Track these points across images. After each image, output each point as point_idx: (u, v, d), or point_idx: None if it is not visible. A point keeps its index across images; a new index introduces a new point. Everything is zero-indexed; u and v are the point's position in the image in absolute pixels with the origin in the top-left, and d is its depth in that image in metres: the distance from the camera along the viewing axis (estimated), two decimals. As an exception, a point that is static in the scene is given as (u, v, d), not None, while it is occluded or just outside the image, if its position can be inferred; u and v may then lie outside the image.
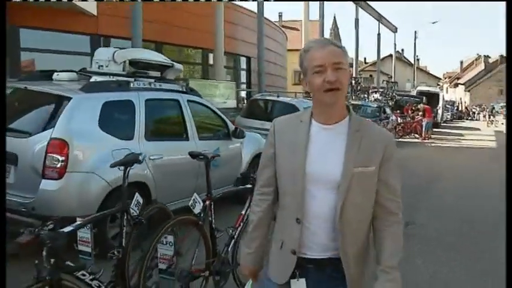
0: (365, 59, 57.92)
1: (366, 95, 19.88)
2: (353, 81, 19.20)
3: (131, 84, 4.81)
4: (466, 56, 66.86)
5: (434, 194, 8.16)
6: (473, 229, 5.99)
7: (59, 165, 3.96)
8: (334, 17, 41.64)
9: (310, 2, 22.89)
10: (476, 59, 60.04)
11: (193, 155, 3.65)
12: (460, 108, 47.05)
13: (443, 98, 30.36)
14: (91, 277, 2.41)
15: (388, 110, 17.87)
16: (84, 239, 2.90)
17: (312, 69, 1.62)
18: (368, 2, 25.73)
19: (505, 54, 31.04)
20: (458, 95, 55.55)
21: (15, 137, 4.09)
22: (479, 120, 40.19)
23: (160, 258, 3.03)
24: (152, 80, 5.17)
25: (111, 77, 4.87)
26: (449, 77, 66.95)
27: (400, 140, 17.92)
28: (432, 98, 25.21)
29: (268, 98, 10.40)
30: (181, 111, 5.37)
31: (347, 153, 1.64)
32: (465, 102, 51.30)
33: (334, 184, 1.64)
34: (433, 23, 40.20)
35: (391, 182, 1.72)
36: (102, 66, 5.19)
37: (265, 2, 14.52)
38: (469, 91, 54.08)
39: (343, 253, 1.67)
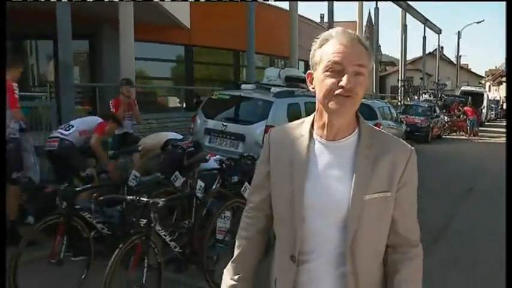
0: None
1: (416, 96, 23.11)
2: (405, 83, 22.44)
3: (295, 93, 8.19)
4: (510, 52, 68.14)
5: (485, 172, 11.45)
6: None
7: (271, 141, 7.35)
8: (369, 13, 44.26)
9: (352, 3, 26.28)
10: (521, 56, 61.68)
11: None
12: (504, 107, 49.37)
13: (488, 98, 33.10)
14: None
15: (437, 110, 21.05)
16: (222, 229, 4.14)
17: (327, 66, 1.36)
18: (413, 1, 28.86)
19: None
20: (502, 93, 57.56)
21: (242, 125, 7.55)
22: (523, 119, 42.64)
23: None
24: (304, 90, 8.56)
25: (282, 88, 8.28)
26: (492, 75, 68.73)
27: (448, 136, 21.27)
28: (476, 98, 28.05)
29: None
30: (320, 110, 8.75)
31: (357, 177, 1.39)
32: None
33: (341, 216, 1.40)
34: (478, 22, 41.92)
35: (410, 210, 1.49)
36: (271, 80, 8.63)
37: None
38: (513, 89, 55.85)
39: None
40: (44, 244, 4.30)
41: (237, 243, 1.64)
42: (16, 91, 5.00)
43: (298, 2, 17.60)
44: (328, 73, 1.37)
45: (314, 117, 1.50)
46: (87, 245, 4.05)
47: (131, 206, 4.29)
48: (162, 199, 3.39)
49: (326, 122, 1.44)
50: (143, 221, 3.41)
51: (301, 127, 1.52)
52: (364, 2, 26.29)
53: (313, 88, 1.45)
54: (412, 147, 1.49)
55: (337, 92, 1.36)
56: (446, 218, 7.10)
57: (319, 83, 1.40)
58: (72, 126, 5.40)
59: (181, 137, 6.45)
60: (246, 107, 7.90)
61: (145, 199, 3.35)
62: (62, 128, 5.43)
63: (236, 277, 1.59)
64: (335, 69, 1.36)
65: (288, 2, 17.40)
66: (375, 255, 1.48)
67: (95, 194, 3.77)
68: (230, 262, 1.64)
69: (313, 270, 1.46)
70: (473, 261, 5.33)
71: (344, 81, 1.34)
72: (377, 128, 1.54)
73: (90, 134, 5.49)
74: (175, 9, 13.67)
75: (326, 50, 1.39)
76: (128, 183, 4.50)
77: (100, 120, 5.62)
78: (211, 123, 7.80)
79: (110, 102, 7.48)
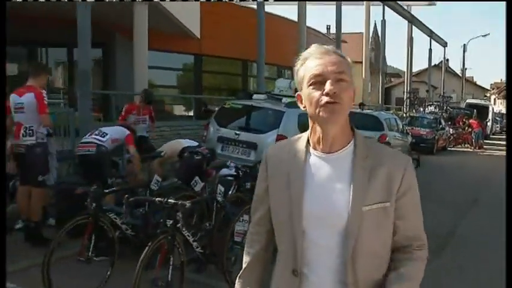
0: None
1: (421, 108, 23.41)
2: (411, 94, 22.79)
3: (306, 103, 8.49)
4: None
5: (490, 184, 11.69)
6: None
7: (282, 150, 7.66)
8: (375, 25, 44.68)
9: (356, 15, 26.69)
10: (526, 69, 61.77)
11: None
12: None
13: (493, 111, 33.35)
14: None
15: (443, 122, 21.34)
16: (240, 231, 4.36)
17: (309, 80, 1.44)
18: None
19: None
20: (507, 106, 57.58)
21: (254, 133, 7.83)
22: (528, 133, 42.80)
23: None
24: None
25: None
26: (498, 88, 68.87)
27: (453, 149, 21.53)
28: (482, 111, 28.34)
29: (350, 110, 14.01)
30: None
31: (355, 188, 1.43)
32: (515, 115, 53.44)
33: (341, 227, 1.44)
34: (484, 36, 42.10)
35: (413, 218, 1.53)
36: (282, 90, 8.93)
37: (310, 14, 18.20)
38: (519, 103, 55.84)
39: None
40: (66, 244, 4.58)
41: (244, 258, 1.71)
42: (45, 97, 5.29)
43: (306, 13, 17.96)
44: (312, 86, 1.44)
45: (309, 134, 1.55)
46: (111, 245, 4.31)
47: (154, 208, 4.58)
48: (188, 201, 3.66)
49: (320, 135, 1.49)
50: (169, 222, 3.67)
51: (298, 143, 1.57)
52: (371, 14, 26.67)
53: (304, 107, 1.50)
54: (409, 157, 1.55)
55: (324, 100, 1.41)
56: (452, 227, 7.34)
57: (307, 97, 1.46)
58: (106, 134, 5.66)
59: (196, 144, 6.73)
60: (257, 117, 8.19)
61: (172, 201, 3.62)
62: (96, 134, 5.68)
63: None
64: (318, 81, 1.43)
65: (296, 14, 17.74)
66: (376, 266, 1.49)
67: (126, 195, 4.03)
68: (238, 277, 1.71)
69: (314, 282, 1.49)
70: (477, 269, 5.55)
71: (327, 87, 1.41)
72: (372, 140, 1.60)
73: (120, 143, 5.78)
74: (186, 18, 14.00)
75: (307, 67, 1.47)
76: (150, 186, 4.78)
77: (128, 131, 5.91)
78: (224, 132, 8.08)
79: (125, 106, 7.82)
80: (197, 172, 5.14)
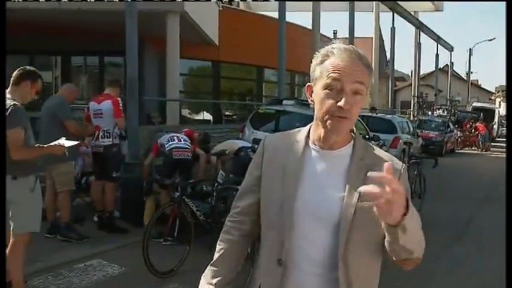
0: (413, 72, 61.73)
1: (430, 112, 24.37)
2: (420, 99, 23.76)
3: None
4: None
5: (498, 183, 12.55)
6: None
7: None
8: (379, 30, 45.13)
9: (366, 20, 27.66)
10: (531, 72, 62.40)
11: None
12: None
13: (499, 114, 34.24)
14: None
15: (451, 125, 22.30)
16: None
17: (326, 83, 1.41)
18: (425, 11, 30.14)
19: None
20: (512, 110, 58.17)
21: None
22: (534, 135, 43.64)
23: None
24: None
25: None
26: (503, 91, 69.54)
27: (461, 151, 22.47)
28: (488, 114, 29.18)
29: (365, 114, 14.91)
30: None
31: (350, 185, 1.44)
32: (520, 118, 54.12)
33: (333, 221, 1.44)
34: (490, 40, 42.94)
35: None
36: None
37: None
38: (524, 106, 56.48)
39: None
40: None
41: (218, 247, 1.66)
42: (120, 104, 6.20)
43: (320, 21, 18.87)
44: (327, 91, 1.41)
45: (310, 127, 1.55)
46: (189, 229, 5.20)
47: (220, 198, 5.49)
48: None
49: (322, 135, 1.49)
50: None
51: (297, 135, 1.57)
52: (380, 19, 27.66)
53: (312, 101, 1.49)
54: (403, 164, 1.56)
55: (335, 113, 1.40)
56: (468, 218, 8.22)
57: (319, 99, 1.44)
58: (187, 140, 6.60)
59: (250, 144, 7.59)
60: (289, 120, 9.08)
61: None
62: (185, 141, 6.56)
63: (215, 281, 1.61)
64: (334, 87, 1.40)
65: (311, 22, 18.66)
66: (368, 262, 1.49)
67: (216, 184, 4.93)
68: (209, 265, 1.66)
69: (297, 273, 1.48)
70: (493, 252, 6.38)
71: (342, 102, 1.38)
72: (370, 144, 1.59)
73: None
74: (206, 25, 14.77)
75: (326, 66, 1.42)
76: (217, 180, 5.69)
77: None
78: (258, 134, 8.99)
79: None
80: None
